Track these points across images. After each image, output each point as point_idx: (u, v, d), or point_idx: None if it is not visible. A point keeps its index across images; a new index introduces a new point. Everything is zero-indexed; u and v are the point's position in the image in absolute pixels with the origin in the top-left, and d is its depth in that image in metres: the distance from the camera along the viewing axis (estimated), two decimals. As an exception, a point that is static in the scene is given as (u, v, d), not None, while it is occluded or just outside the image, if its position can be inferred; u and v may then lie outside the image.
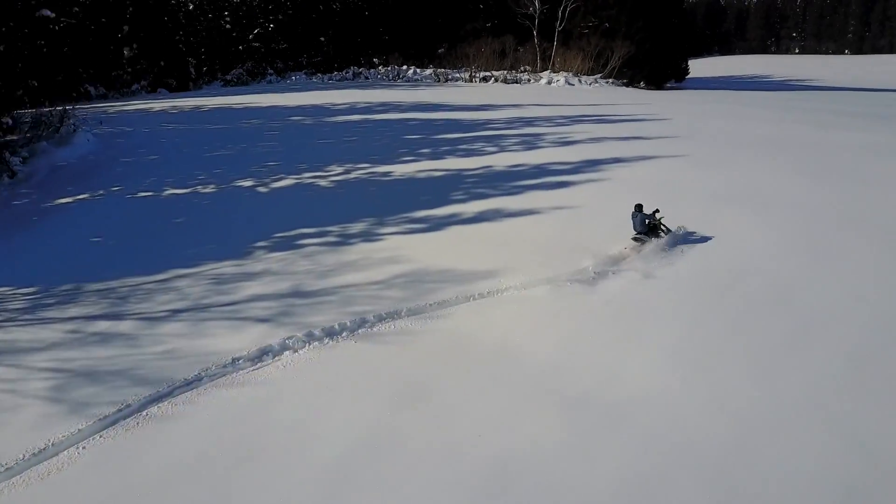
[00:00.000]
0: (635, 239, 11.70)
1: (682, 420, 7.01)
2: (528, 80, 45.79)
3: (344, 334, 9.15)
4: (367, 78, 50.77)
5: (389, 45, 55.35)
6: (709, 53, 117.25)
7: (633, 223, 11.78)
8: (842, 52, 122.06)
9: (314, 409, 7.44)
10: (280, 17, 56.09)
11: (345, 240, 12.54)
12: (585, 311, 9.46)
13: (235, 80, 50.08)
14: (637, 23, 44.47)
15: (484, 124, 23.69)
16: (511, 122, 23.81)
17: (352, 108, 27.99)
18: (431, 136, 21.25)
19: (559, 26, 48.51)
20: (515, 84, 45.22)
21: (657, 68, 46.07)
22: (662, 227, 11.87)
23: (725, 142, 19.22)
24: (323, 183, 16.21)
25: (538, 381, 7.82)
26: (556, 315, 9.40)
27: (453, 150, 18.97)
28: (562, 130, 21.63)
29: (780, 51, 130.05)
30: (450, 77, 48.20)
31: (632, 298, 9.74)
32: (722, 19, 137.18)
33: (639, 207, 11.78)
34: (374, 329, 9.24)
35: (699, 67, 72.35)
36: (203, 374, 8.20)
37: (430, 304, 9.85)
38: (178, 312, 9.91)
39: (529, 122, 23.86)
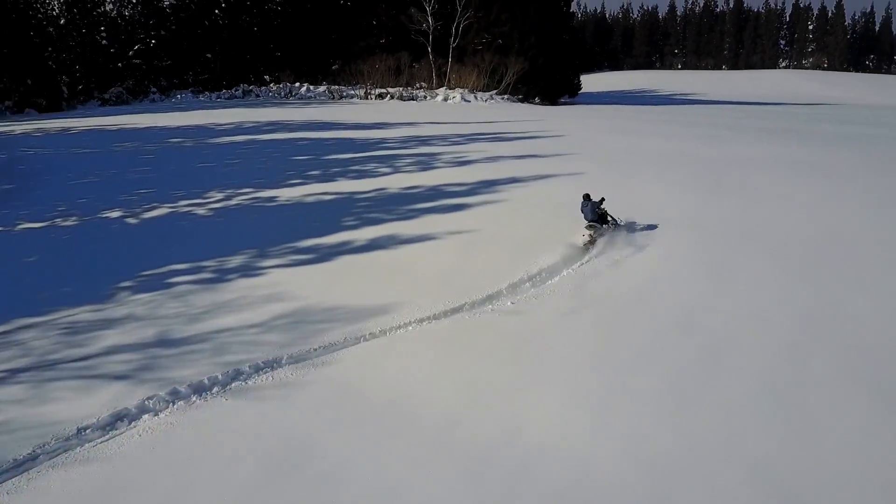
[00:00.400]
0: (589, 227, 12.29)
1: (592, 472, 6.35)
2: (425, 97, 45.38)
3: (215, 390, 8.01)
4: (258, 96, 48.94)
5: (281, 61, 53.70)
6: (599, 69, 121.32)
7: (584, 213, 12.36)
8: (720, 68, 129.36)
9: (175, 486, 6.28)
10: (162, 32, 53.37)
11: (221, 276, 11.33)
12: (485, 348, 8.72)
13: (115, 99, 47.08)
14: (529, 39, 44.96)
15: (378, 143, 22.84)
16: (406, 141, 23.07)
17: (238, 129, 26.49)
18: (322, 156, 20.20)
19: (453, 43, 48.45)
20: (412, 101, 44.69)
21: (551, 84, 46.72)
22: (610, 216, 12.53)
23: (621, 159, 19.20)
24: (200, 211, 14.86)
25: (435, 436, 6.98)
26: (453, 355, 8.61)
27: (345, 171, 18.00)
28: (458, 149, 21.07)
29: (664, 66, 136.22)
30: (344, 94, 47.14)
31: (533, 331, 9.10)
32: (609, 36, 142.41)
33: (587, 197, 12.45)
34: (251, 382, 8.14)
35: (590, 82, 74.51)
36: (39, 451, 6.84)
37: (315, 349, 8.86)
38: (17, 373, 8.44)
39: (425, 140, 23.20)
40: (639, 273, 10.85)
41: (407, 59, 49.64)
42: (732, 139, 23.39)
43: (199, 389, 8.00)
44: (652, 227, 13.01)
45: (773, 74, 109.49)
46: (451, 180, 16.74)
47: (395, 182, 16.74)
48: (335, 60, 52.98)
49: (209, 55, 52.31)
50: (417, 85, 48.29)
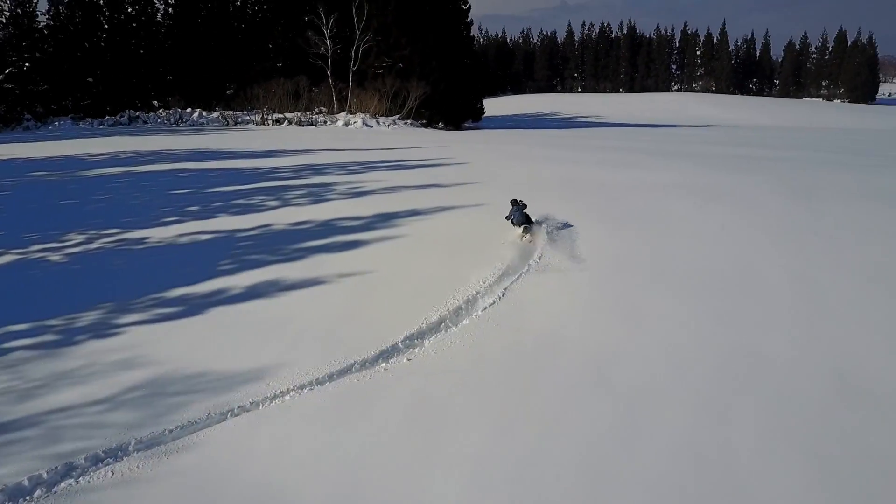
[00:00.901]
0: (525, 229, 13.27)
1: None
2: (325, 122, 43.93)
3: (37, 494, 6.38)
4: (145, 122, 46.08)
5: (172, 86, 51.01)
6: (502, 92, 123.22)
7: (514, 217, 13.33)
8: (617, 91, 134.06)
9: None
10: (38, 55, 49.66)
11: (68, 338, 9.57)
12: (376, 419, 7.44)
13: (-19, 127, 43.08)
14: (430, 63, 44.40)
15: (268, 173, 21.26)
16: (299, 171, 21.61)
17: (113, 160, 24.25)
18: (204, 189, 18.46)
19: (353, 66, 47.31)
20: (311, 126, 43.14)
21: (454, 108, 46.30)
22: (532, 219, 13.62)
23: (524, 187, 18.44)
24: (55, 258, 12.92)
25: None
26: (338, 430, 7.29)
27: (227, 206, 16.38)
28: (354, 179, 19.79)
29: (565, 89, 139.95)
30: (240, 120, 45.03)
31: (432, 396, 7.90)
32: (511, 60, 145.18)
33: (514, 202, 13.47)
34: (85, 480, 6.52)
35: (494, 106, 75.03)
36: None
37: (171, 430, 7.31)
38: None
39: (319, 169, 21.81)
40: (547, 317, 9.88)
41: (306, 83, 48.14)
42: (634, 164, 23.21)
43: (15, 495, 6.36)
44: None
45: (667, 97, 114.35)
46: (346, 214, 15.45)
47: (282, 217, 15.29)
48: (230, 85, 50.83)
49: (90, 79, 48.99)
50: (317, 110, 46.78)
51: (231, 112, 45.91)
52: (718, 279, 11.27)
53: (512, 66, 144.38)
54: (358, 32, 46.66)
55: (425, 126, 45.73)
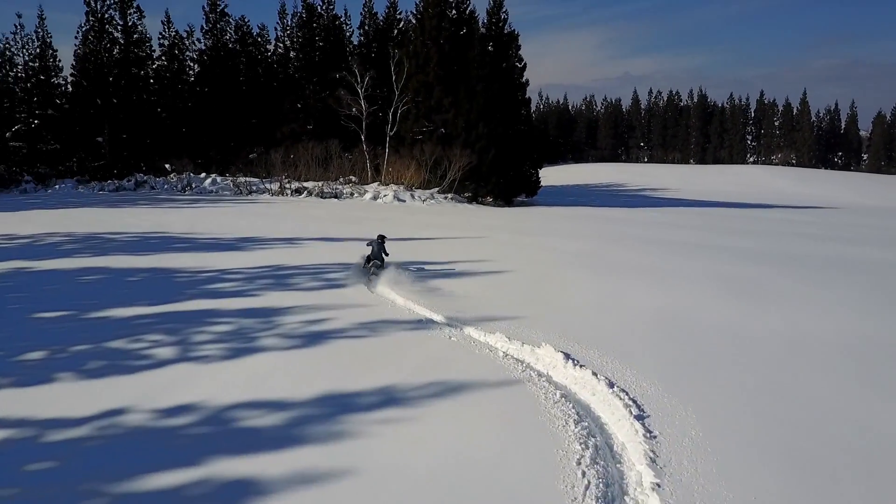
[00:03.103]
0: (372, 263, 14.47)
1: None
2: (350, 195, 37.26)
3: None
4: (152, 188, 40.43)
5: (190, 148, 45.63)
6: (563, 161, 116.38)
7: (373, 248, 14.66)
8: (687, 162, 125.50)
9: None
10: (50, 111, 45.15)
11: None
12: None
13: (-31, 190, 38.09)
14: (477, 128, 37.56)
15: (208, 281, 14.20)
16: (254, 278, 14.45)
17: (27, 247, 17.80)
18: (82, 315, 11.42)
19: (390, 131, 40.94)
20: (333, 199, 36.50)
21: (504, 181, 39.13)
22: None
23: (597, 332, 10.79)
24: None
25: None
26: None
27: (78, 360, 9.17)
28: (331, 299, 12.46)
29: (630, 159, 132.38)
30: (254, 189, 38.84)
31: None
32: (573, 128, 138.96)
33: (382, 238, 14.85)
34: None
35: (553, 175, 67.78)
36: None
37: None
38: None
39: (284, 277, 14.62)
40: None
41: (337, 147, 42.02)
42: (762, 285, 15.12)
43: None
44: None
45: (743, 170, 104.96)
46: (278, 394, 8.01)
47: (154, 397, 7.93)
48: (255, 148, 45.13)
49: (100, 138, 43.97)
50: (346, 178, 40.32)
51: (245, 179, 39.82)
52: None
53: (573, 133, 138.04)
54: (396, 92, 40.46)
55: (469, 201, 38.62)
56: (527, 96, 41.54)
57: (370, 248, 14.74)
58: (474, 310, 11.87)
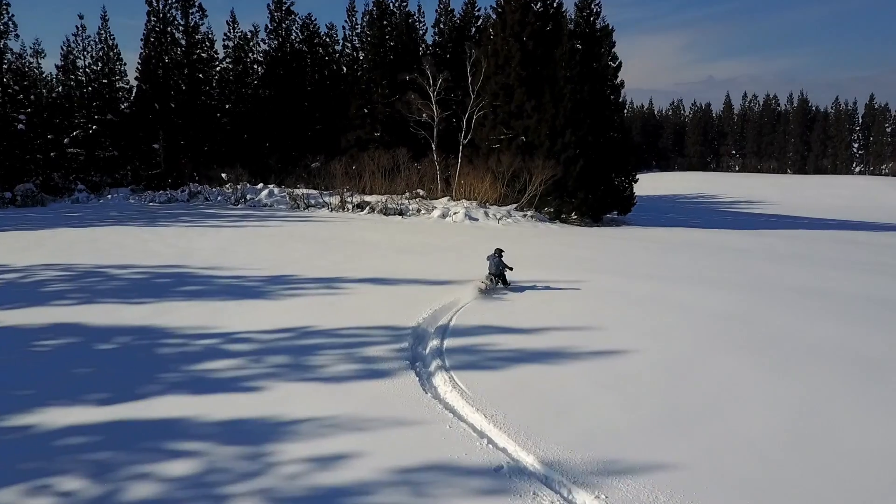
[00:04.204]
0: (488, 278, 14.38)
1: None
2: (417, 211, 33.03)
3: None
4: (206, 199, 37.39)
5: (249, 155, 42.53)
6: (648, 169, 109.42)
7: (490, 264, 14.47)
8: (784, 171, 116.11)
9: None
10: (109, 115, 42.94)
11: None
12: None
13: (20, 199, 35.88)
14: (563, 136, 32.69)
15: (205, 353, 10.15)
16: (266, 348, 10.29)
17: (7, 287, 14.38)
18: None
19: (464, 139, 36.56)
20: (397, 216, 32.36)
21: (592, 197, 34.10)
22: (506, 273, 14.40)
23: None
24: None
25: None
26: None
27: None
28: (334, 411, 8.13)
29: (720, 168, 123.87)
30: (313, 202, 35.16)
31: None
32: (659, 134, 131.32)
33: (499, 252, 14.44)
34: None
35: (638, 185, 62.10)
36: None
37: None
38: None
39: (311, 346, 10.38)
40: None
41: (405, 156, 37.95)
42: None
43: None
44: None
45: (850, 181, 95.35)
46: None
47: None
48: (316, 156, 41.64)
49: (156, 145, 41.37)
50: (413, 192, 36.15)
51: (303, 192, 36.20)
52: None
53: (659, 140, 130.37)
54: (472, 96, 36.02)
55: (552, 219, 33.80)
56: (621, 99, 36.25)
57: (488, 262, 14.72)
58: (587, 440, 7.27)
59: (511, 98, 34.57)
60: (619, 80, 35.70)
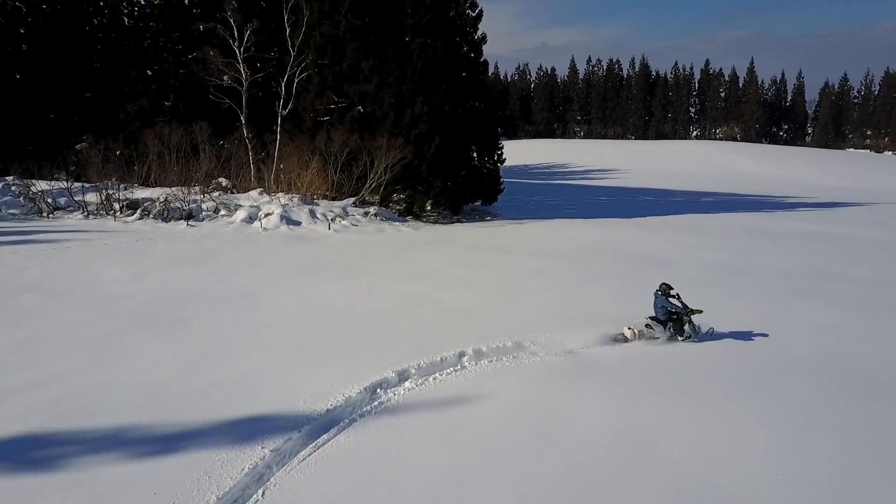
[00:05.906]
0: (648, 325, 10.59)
1: None
2: (215, 212, 23.72)
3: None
4: None
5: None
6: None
7: (655, 305, 10.75)
8: (626, 137, 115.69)
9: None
10: None
11: None
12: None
13: None
14: (413, 106, 24.64)
15: None
16: None
17: None
18: None
19: (283, 109, 27.47)
20: (182, 222, 22.88)
21: (452, 184, 26.41)
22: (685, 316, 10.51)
23: None
24: None
25: None
26: None
27: None
28: None
29: (566, 135, 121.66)
30: (60, 205, 24.66)
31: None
32: (505, 101, 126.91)
33: (666, 290, 10.64)
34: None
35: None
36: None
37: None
38: None
39: None
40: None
41: (206, 132, 28.26)
42: None
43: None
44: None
45: (692, 146, 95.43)
46: None
47: None
48: (84, 136, 30.80)
49: None
50: (214, 183, 26.70)
51: (49, 187, 25.37)
52: None
53: (506, 107, 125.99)
54: (292, 52, 26.91)
55: (402, 217, 25.84)
56: (482, 59, 28.56)
57: (663, 304, 10.71)
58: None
59: (343, 56, 25.82)
60: (479, 32, 28.01)
